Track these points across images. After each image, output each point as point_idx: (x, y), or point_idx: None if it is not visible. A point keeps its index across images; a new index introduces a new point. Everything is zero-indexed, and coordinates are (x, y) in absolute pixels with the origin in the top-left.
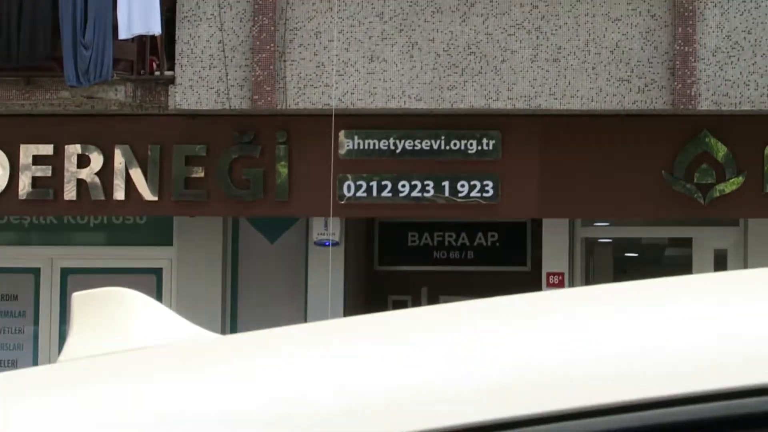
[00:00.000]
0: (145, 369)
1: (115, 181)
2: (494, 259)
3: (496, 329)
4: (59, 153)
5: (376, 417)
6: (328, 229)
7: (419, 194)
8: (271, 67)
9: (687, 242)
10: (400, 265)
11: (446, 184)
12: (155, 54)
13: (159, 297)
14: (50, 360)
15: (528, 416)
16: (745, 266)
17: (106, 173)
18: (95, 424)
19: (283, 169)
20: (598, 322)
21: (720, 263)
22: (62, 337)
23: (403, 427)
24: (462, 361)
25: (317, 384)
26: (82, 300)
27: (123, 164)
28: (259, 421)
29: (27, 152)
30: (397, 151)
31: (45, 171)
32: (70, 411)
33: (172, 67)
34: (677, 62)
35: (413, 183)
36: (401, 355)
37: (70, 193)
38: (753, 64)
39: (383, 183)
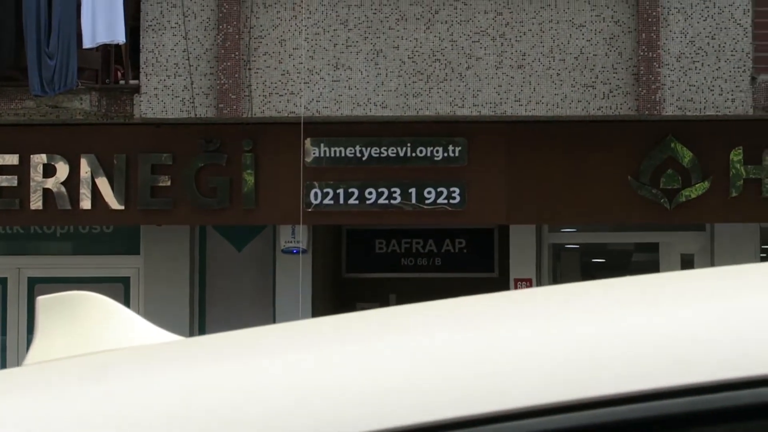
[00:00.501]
0: (109, 371)
1: (82, 191)
2: (462, 266)
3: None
4: (25, 162)
5: (326, 414)
6: (296, 237)
7: (386, 201)
8: (237, 75)
9: (654, 247)
10: (368, 272)
11: (413, 191)
12: (120, 63)
13: (127, 306)
14: None
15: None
16: None
17: (72, 183)
18: (58, 427)
19: (249, 177)
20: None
21: (687, 268)
22: (30, 346)
23: (357, 427)
24: (419, 360)
25: (277, 383)
26: (47, 304)
27: (89, 173)
28: (215, 420)
29: None
30: (364, 158)
31: (11, 181)
32: (31, 413)
33: (137, 76)
34: (641, 68)
35: (380, 190)
36: (359, 353)
37: (36, 202)
38: (717, 69)
39: (350, 190)
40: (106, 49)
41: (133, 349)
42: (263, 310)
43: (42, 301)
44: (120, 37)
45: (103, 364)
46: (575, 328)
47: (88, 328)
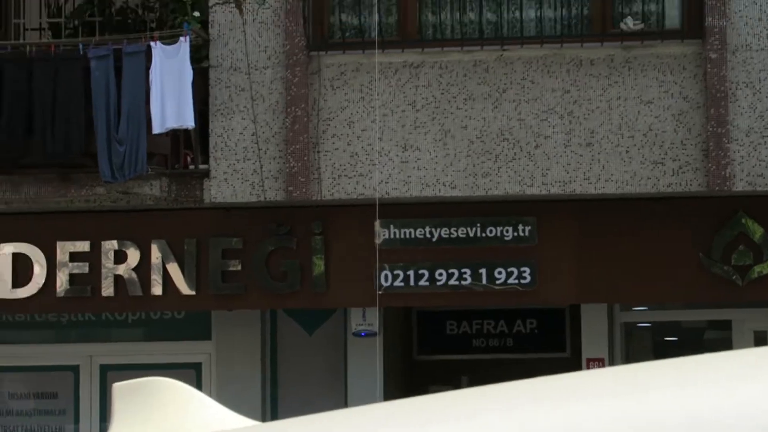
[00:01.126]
0: None
1: (153, 276)
2: (533, 346)
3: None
4: (96, 249)
5: None
6: (366, 320)
7: (456, 282)
8: (306, 158)
9: (726, 325)
10: (439, 354)
11: (483, 271)
12: (189, 147)
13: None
14: None
15: None
16: None
17: (143, 268)
18: None
19: (319, 261)
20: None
21: (760, 345)
22: None
23: None
24: None
25: None
26: (122, 390)
27: (160, 259)
28: None
29: (64, 249)
30: (434, 239)
31: (82, 268)
32: None
33: (206, 161)
34: (711, 144)
35: (450, 271)
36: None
37: (107, 289)
38: None
39: (420, 272)
40: (175, 134)
41: None
42: (335, 393)
43: (117, 387)
44: (189, 122)
45: None
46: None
47: (165, 414)
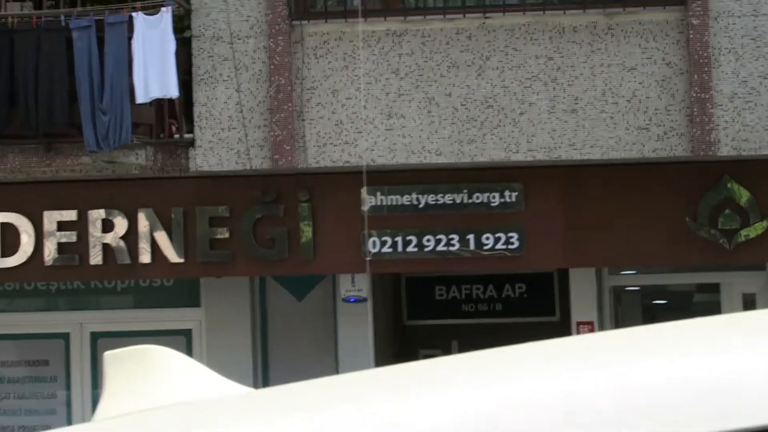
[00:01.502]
0: (185, 426)
1: (141, 245)
2: (523, 311)
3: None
4: (83, 218)
5: None
6: (356, 286)
7: (444, 248)
8: (290, 126)
9: (715, 288)
10: (429, 319)
11: (471, 237)
12: (174, 117)
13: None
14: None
15: None
16: None
17: (131, 237)
18: None
19: (307, 228)
20: None
21: (749, 307)
22: (95, 401)
23: None
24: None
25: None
26: (113, 359)
27: (147, 228)
28: None
29: (51, 218)
30: (420, 206)
31: (69, 237)
32: None
33: (191, 130)
34: (695, 109)
35: (438, 237)
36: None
37: (96, 258)
38: None
39: (408, 238)
40: (159, 103)
41: (204, 403)
42: (326, 359)
43: (108, 356)
44: (173, 92)
45: (183, 418)
46: None
47: (156, 381)
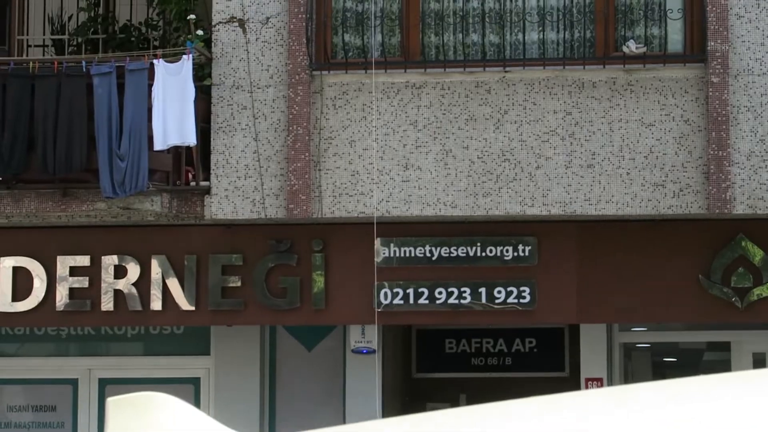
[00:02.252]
0: None
1: (152, 292)
2: (532, 365)
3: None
4: (96, 264)
5: None
6: (366, 337)
7: (456, 301)
8: (307, 176)
9: (725, 346)
10: (438, 372)
11: (483, 290)
12: (190, 164)
13: (197, 406)
14: None
15: None
16: None
17: (143, 283)
18: None
19: (319, 278)
20: None
21: (759, 367)
22: None
23: None
24: None
25: None
26: (117, 405)
27: (160, 274)
28: None
29: (64, 263)
30: (434, 258)
31: (82, 282)
32: None
33: (207, 177)
34: (711, 166)
35: (450, 290)
36: None
37: (107, 304)
38: None
39: (420, 290)
40: (177, 150)
41: None
42: (334, 410)
43: (112, 401)
44: (191, 139)
45: None
46: None
47: (156, 428)
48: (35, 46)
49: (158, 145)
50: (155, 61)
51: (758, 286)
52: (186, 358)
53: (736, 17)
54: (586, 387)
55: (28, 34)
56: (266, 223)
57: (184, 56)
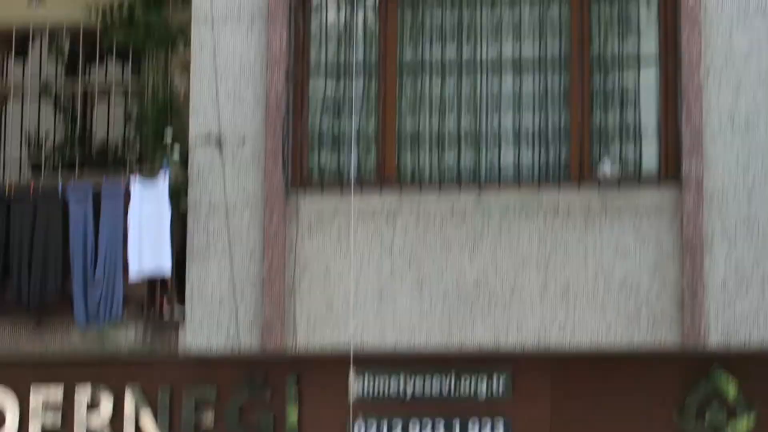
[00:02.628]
0: None
1: (126, 428)
2: None
3: None
4: (69, 396)
5: None
6: None
7: None
8: (281, 304)
9: None
10: None
11: (456, 423)
12: (165, 292)
13: None
14: None
15: None
16: None
17: (116, 420)
18: None
19: (292, 411)
20: None
21: None
22: None
23: None
24: None
25: None
26: None
27: (133, 409)
28: None
29: (37, 395)
30: (408, 391)
31: (55, 418)
32: None
33: (182, 302)
34: (686, 295)
35: (424, 424)
36: None
37: None
38: (762, 299)
39: (394, 422)
40: (151, 280)
41: None
42: None
43: None
44: (166, 270)
45: None
46: None
47: None
48: (11, 165)
49: (134, 276)
50: (131, 183)
51: (732, 420)
52: None
53: (711, 138)
54: None
55: (4, 153)
56: (240, 355)
57: (161, 176)
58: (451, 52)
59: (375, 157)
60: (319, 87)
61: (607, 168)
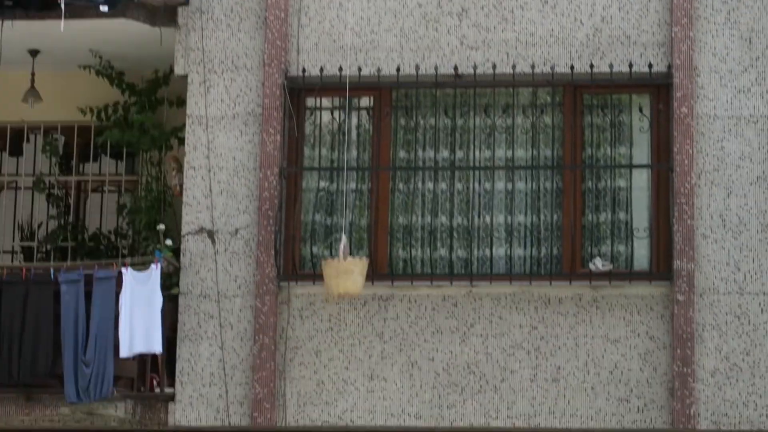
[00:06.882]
0: None
1: None
2: None
3: None
4: None
5: None
6: None
7: None
8: (271, 384)
9: None
10: None
11: None
12: (155, 371)
13: None
14: None
15: None
16: None
17: None
18: None
19: None
20: None
21: None
22: None
23: None
24: None
25: None
26: None
27: None
28: None
29: None
30: None
31: None
32: None
33: (172, 384)
34: (676, 383)
35: None
36: None
37: None
38: (752, 385)
39: None
40: (142, 357)
41: None
42: None
43: None
44: (157, 348)
45: None
46: None
47: None
48: (4, 252)
49: (124, 353)
50: (123, 270)
51: None
52: None
53: (702, 237)
54: None
55: None
56: (229, 429)
57: (153, 265)
58: (444, 154)
59: (367, 251)
60: (312, 183)
61: (599, 263)
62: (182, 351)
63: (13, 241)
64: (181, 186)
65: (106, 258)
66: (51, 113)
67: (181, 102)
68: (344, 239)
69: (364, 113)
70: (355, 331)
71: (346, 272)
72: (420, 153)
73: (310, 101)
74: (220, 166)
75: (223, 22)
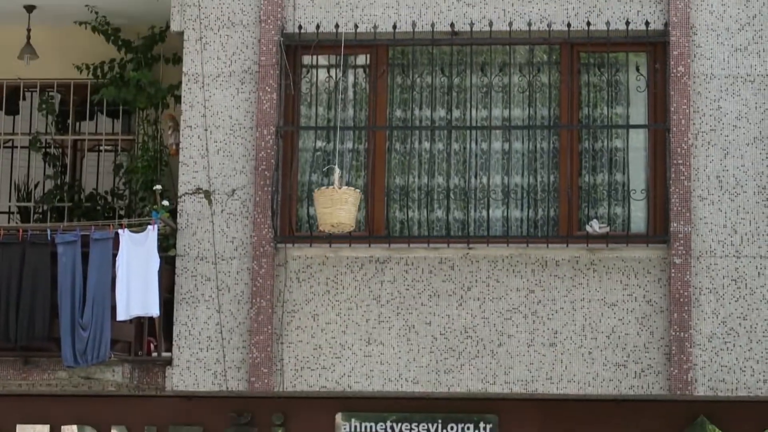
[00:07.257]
0: None
1: None
2: None
3: None
4: None
5: None
6: None
7: None
8: (269, 349)
9: None
10: None
11: None
12: (153, 335)
13: None
14: None
15: None
16: None
17: None
18: None
19: None
20: None
21: None
22: None
23: None
24: None
25: None
26: None
27: None
28: None
29: None
30: None
31: None
32: None
33: (169, 348)
34: (673, 347)
35: None
36: None
37: None
38: (749, 350)
39: None
40: (139, 321)
41: None
42: None
43: None
44: (154, 310)
45: None
46: None
47: None
48: (0, 212)
49: (121, 316)
50: (120, 231)
51: None
52: None
53: (699, 199)
54: None
55: None
56: (227, 396)
57: (149, 226)
58: (441, 113)
59: (364, 212)
60: (308, 143)
61: (596, 226)
62: (179, 314)
63: (10, 201)
64: (177, 145)
65: (103, 219)
66: (47, 70)
67: (178, 59)
68: (338, 169)
69: (360, 72)
70: (352, 294)
71: (340, 202)
72: (417, 112)
73: (306, 59)
74: (217, 125)
75: None
